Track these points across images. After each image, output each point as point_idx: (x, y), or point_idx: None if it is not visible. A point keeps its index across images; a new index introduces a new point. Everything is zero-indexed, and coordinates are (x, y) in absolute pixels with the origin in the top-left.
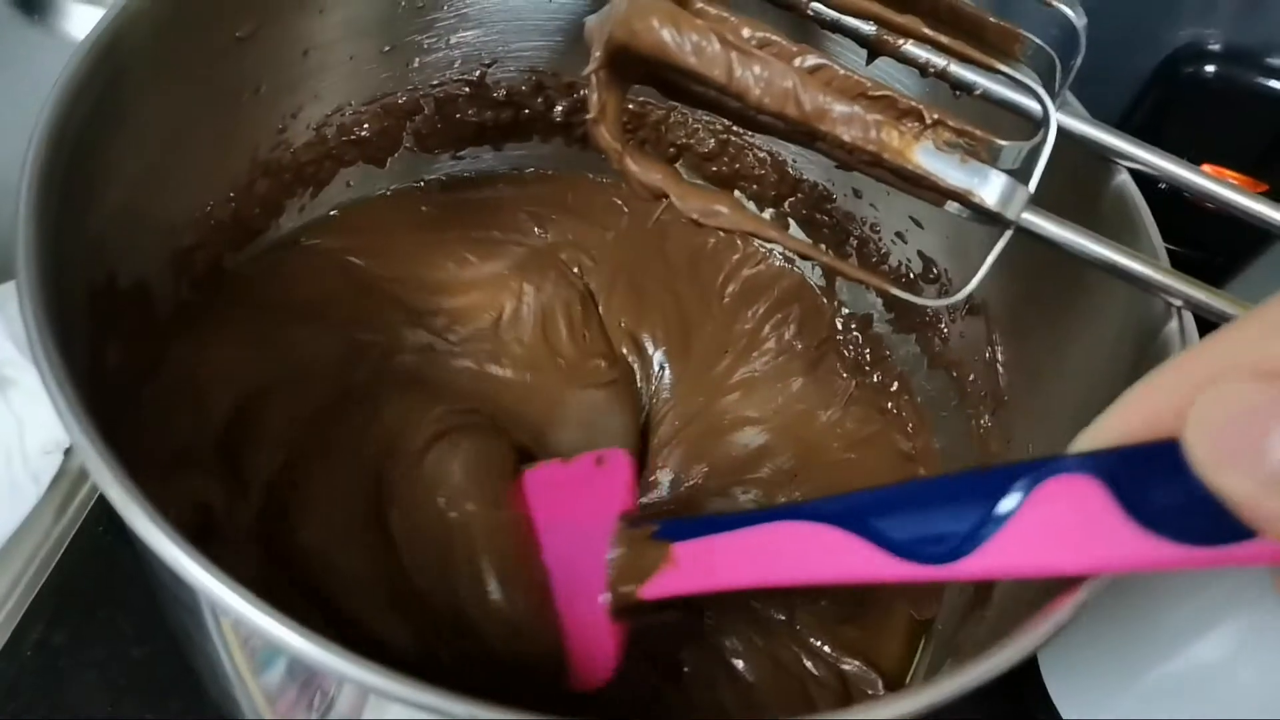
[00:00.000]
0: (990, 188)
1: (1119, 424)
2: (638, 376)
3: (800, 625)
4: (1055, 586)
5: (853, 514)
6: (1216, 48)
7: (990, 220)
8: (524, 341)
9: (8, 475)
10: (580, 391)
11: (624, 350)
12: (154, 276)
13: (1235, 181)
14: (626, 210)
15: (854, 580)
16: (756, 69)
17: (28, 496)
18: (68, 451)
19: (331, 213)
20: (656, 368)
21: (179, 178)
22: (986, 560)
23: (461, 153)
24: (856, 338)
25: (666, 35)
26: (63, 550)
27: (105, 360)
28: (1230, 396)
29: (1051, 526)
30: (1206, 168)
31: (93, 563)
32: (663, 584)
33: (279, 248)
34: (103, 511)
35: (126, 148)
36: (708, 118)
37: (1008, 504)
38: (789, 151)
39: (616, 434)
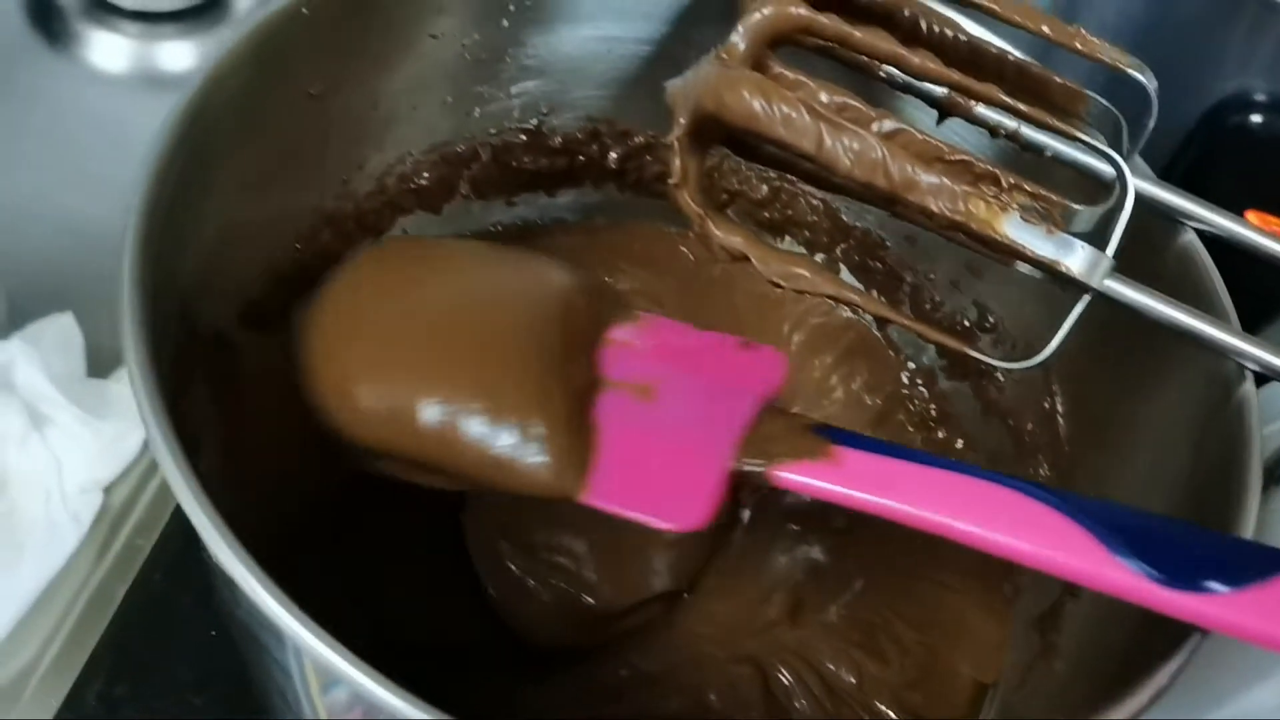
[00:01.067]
0: (1077, 259)
1: None
2: None
3: (868, 690)
4: (1135, 644)
5: (1085, 509)
6: (1262, 98)
7: (1065, 284)
8: None
9: (47, 515)
10: None
11: None
12: (227, 329)
13: None
14: (693, 258)
15: (1053, 567)
16: (845, 140)
17: (69, 536)
18: (107, 490)
19: None
20: None
21: (251, 232)
22: (1216, 607)
23: (515, 199)
24: (923, 393)
25: (757, 106)
26: (119, 600)
27: (194, 416)
28: None
29: None
30: (1251, 214)
31: (150, 611)
32: (811, 473)
33: None
34: (160, 558)
35: (208, 207)
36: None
37: (1257, 570)
38: (841, 199)
39: None
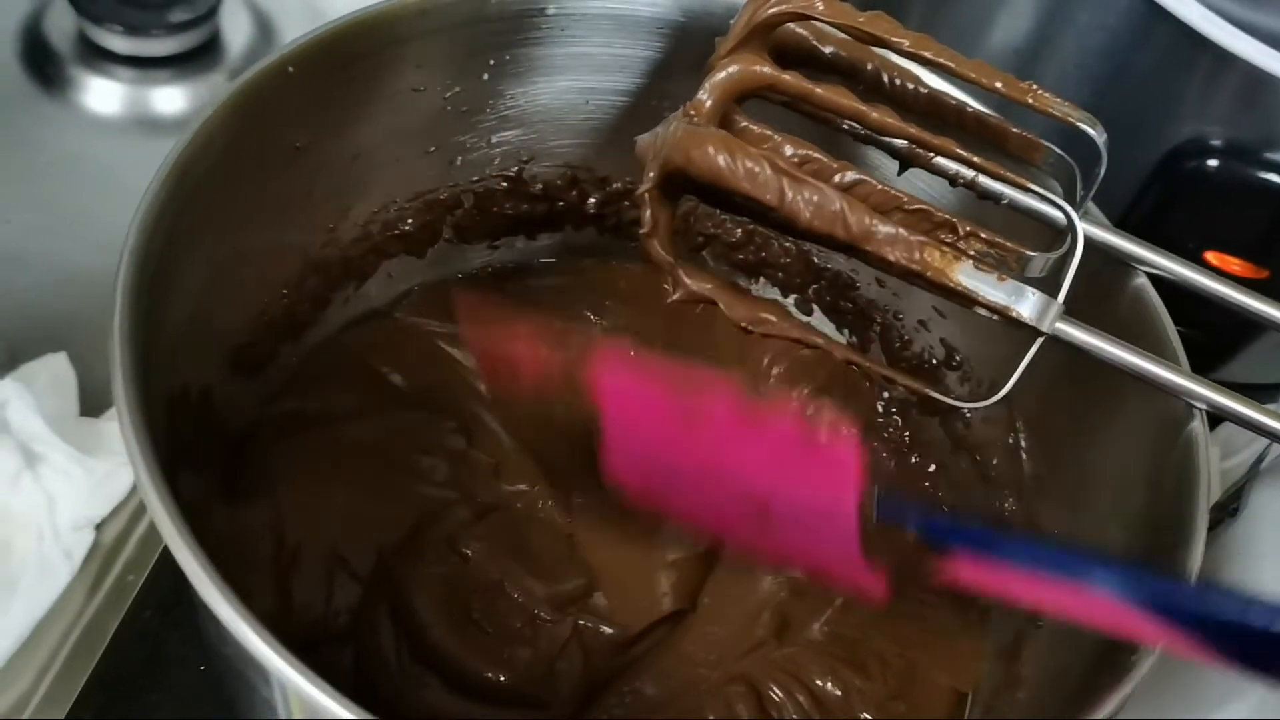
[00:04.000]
0: (1027, 304)
1: None
2: None
3: (854, 702)
4: (1090, 677)
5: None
6: (1217, 143)
7: (1021, 327)
8: None
9: (39, 552)
10: None
11: None
12: (215, 379)
13: (1238, 267)
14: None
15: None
16: (806, 193)
17: (60, 573)
18: (99, 527)
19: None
20: None
21: (241, 281)
22: None
23: (497, 242)
24: (897, 421)
25: (721, 161)
26: (110, 635)
27: (185, 469)
28: None
29: None
30: (1210, 255)
31: (139, 647)
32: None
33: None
34: (149, 595)
35: (198, 258)
36: None
37: None
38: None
39: None
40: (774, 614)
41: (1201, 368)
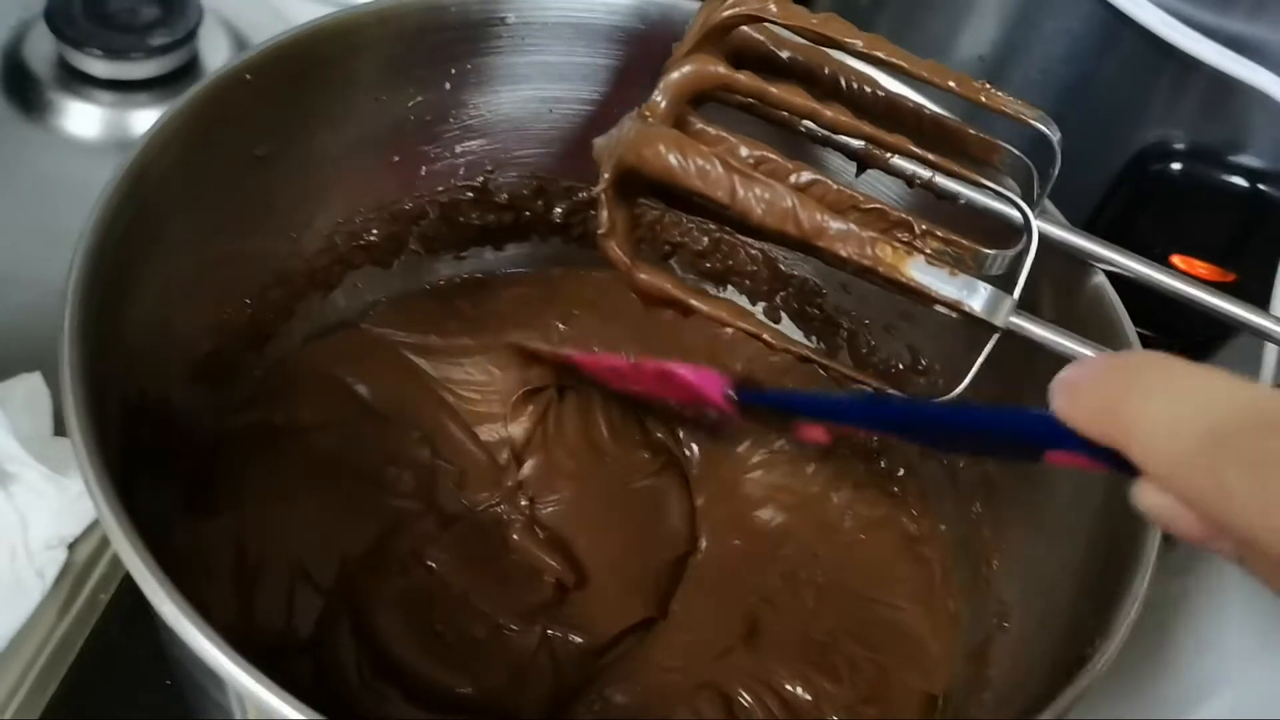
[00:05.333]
0: (978, 298)
1: None
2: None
3: (824, 706)
4: (1053, 677)
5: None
6: (1181, 147)
7: (978, 324)
8: (569, 446)
9: (11, 571)
10: (634, 486)
11: (659, 435)
12: (177, 388)
13: (1204, 271)
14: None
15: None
16: (757, 190)
17: (32, 592)
18: (71, 546)
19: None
20: (686, 450)
21: (201, 289)
22: None
23: (464, 253)
24: None
25: (673, 160)
26: (76, 652)
27: (142, 476)
28: None
29: None
30: (1176, 259)
31: (107, 661)
32: None
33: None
34: (115, 610)
35: (155, 264)
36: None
37: None
38: (779, 249)
39: (677, 519)
40: (744, 620)
41: None
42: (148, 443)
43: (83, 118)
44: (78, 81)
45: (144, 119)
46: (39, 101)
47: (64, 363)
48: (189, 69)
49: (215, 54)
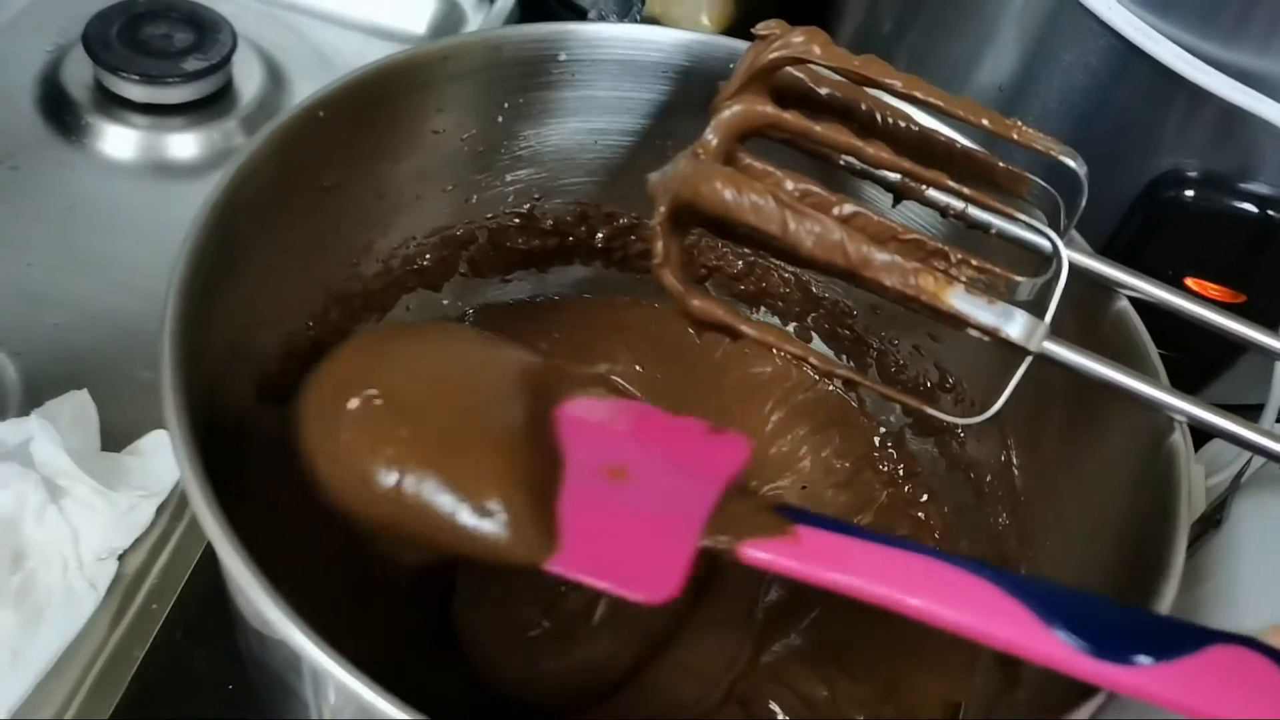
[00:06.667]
0: (1015, 325)
1: None
2: None
3: (840, 702)
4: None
5: (1023, 587)
6: (1194, 174)
7: (1010, 348)
8: None
9: (64, 583)
10: None
11: None
12: (246, 408)
13: (1216, 292)
14: (699, 342)
15: (992, 639)
16: (808, 224)
17: (86, 602)
18: (120, 558)
19: None
20: None
21: (269, 314)
22: (1142, 679)
23: (510, 276)
24: (892, 454)
25: (728, 196)
26: (137, 662)
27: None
28: None
29: (1216, 679)
30: (1190, 281)
31: (168, 670)
32: (773, 551)
33: None
34: (178, 619)
35: (233, 292)
36: None
37: (1181, 645)
38: (811, 272)
39: None
40: (757, 625)
41: (1186, 389)
42: (224, 462)
43: (119, 141)
44: (114, 105)
45: (178, 142)
46: (76, 124)
47: (166, 384)
48: (223, 93)
49: (249, 79)
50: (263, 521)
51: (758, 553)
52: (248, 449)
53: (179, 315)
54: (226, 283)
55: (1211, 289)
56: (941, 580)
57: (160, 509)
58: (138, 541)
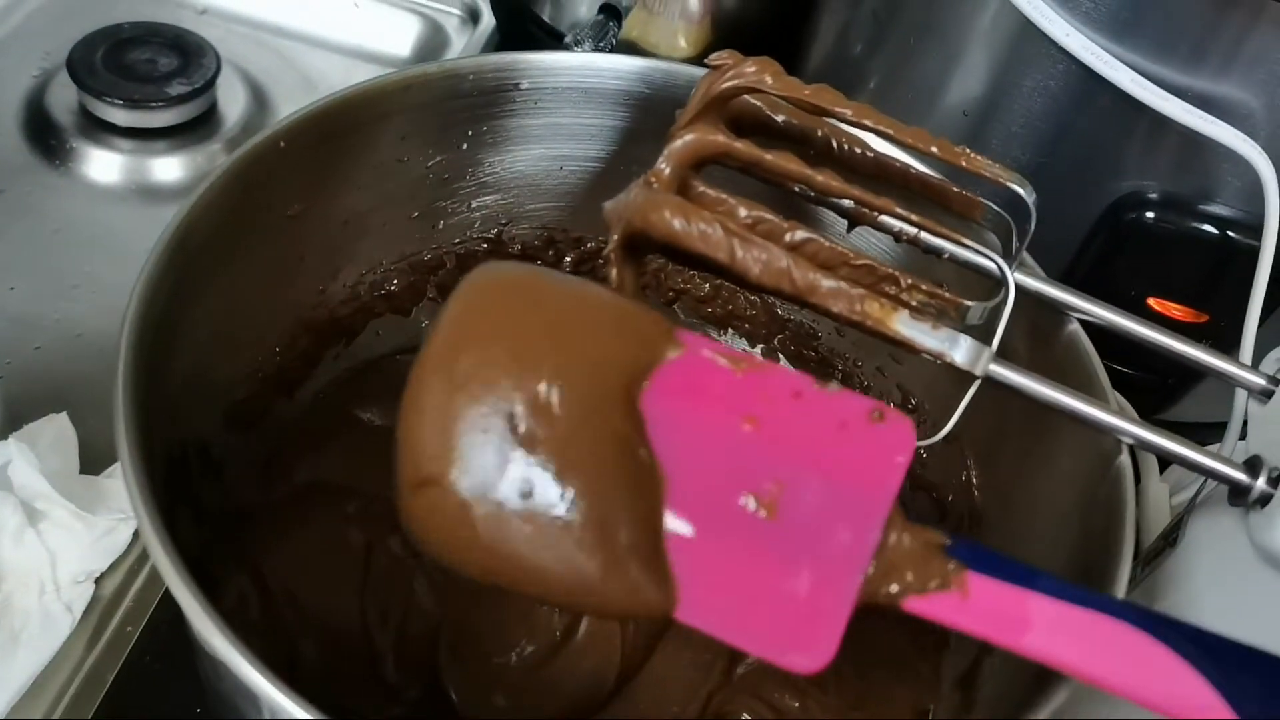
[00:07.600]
0: (960, 351)
1: None
2: None
3: (812, 713)
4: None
5: (1199, 647)
6: (1154, 196)
7: (961, 373)
8: None
9: (41, 605)
10: None
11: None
12: (213, 435)
13: (1179, 312)
14: None
15: (1174, 711)
16: (755, 252)
17: (62, 625)
18: (98, 581)
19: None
20: None
21: (234, 341)
22: None
23: None
24: None
25: (677, 225)
26: (107, 686)
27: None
28: None
29: None
30: (1153, 301)
31: (138, 693)
32: (943, 609)
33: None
34: (149, 643)
35: (195, 319)
36: None
37: None
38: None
39: None
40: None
41: (1152, 407)
42: (187, 490)
43: (103, 164)
44: (98, 129)
45: (162, 166)
46: (61, 148)
47: (118, 414)
48: (207, 117)
49: (232, 103)
50: (232, 542)
51: (928, 611)
52: (215, 474)
53: (133, 347)
54: (185, 315)
55: (1174, 309)
56: (1120, 650)
57: (137, 532)
58: (115, 564)
